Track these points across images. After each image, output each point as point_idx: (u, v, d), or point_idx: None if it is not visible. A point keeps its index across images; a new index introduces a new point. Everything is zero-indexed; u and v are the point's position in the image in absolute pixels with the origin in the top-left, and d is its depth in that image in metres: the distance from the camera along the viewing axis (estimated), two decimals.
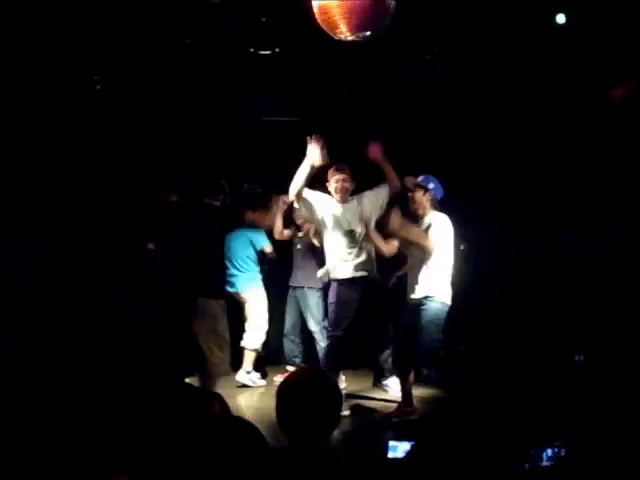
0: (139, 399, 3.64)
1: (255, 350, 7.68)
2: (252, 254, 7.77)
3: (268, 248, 7.76)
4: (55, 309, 7.09)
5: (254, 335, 7.67)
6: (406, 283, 6.68)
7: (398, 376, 6.83)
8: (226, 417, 3.32)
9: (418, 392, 7.14)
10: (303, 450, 2.82)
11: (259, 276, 7.83)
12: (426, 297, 6.42)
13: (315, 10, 5.48)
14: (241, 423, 2.76)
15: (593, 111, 7.13)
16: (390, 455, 3.79)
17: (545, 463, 3.75)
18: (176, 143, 8.22)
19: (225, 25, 6.50)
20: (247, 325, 7.71)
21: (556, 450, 3.77)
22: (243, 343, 7.66)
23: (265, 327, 7.72)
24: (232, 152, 8.46)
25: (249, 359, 7.67)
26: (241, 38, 6.81)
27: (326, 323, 7.16)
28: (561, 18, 6.45)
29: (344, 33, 5.52)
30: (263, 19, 6.42)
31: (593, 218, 7.36)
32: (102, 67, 7.17)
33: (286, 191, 6.79)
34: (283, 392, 2.92)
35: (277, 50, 6.89)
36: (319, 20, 5.53)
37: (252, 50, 6.90)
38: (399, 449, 3.77)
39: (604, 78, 6.68)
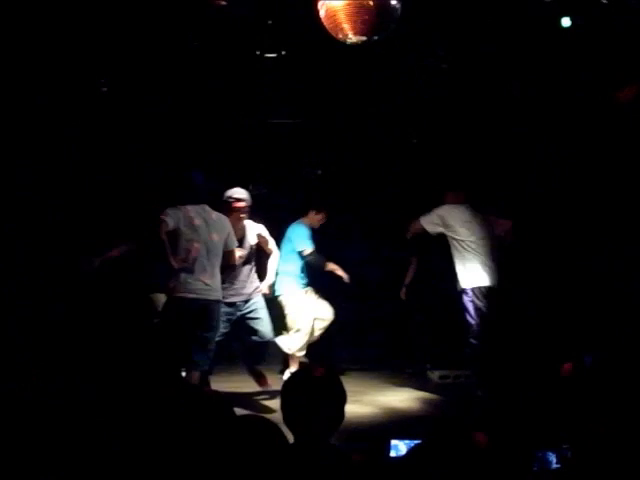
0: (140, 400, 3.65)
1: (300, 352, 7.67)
2: (290, 254, 7.63)
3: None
4: (55, 308, 7.11)
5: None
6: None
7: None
8: (231, 413, 3.33)
9: (423, 392, 7.24)
10: (308, 446, 2.85)
11: (296, 277, 7.69)
12: None
13: (321, 14, 5.51)
14: (255, 420, 2.79)
15: (596, 115, 7.13)
16: (392, 454, 3.79)
17: (553, 465, 3.75)
18: (181, 146, 8.25)
19: (231, 28, 6.53)
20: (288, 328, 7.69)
21: (564, 452, 3.77)
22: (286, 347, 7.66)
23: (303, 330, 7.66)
24: (237, 154, 8.50)
25: (295, 361, 7.65)
26: (247, 41, 6.83)
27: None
28: (566, 22, 6.46)
29: (350, 37, 5.55)
30: (269, 22, 6.44)
31: (595, 218, 7.37)
32: (109, 71, 7.17)
33: None
34: (289, 389, 2.96)
35: (283, 53, 6.90)
36: (325, 24, 5.55)
37: (258, 53, 6.91)
38: (401, 448, 3.77)
39: (609, 81, 6.69)
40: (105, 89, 7.25)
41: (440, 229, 7.13)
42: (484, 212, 7.22)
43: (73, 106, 7.26)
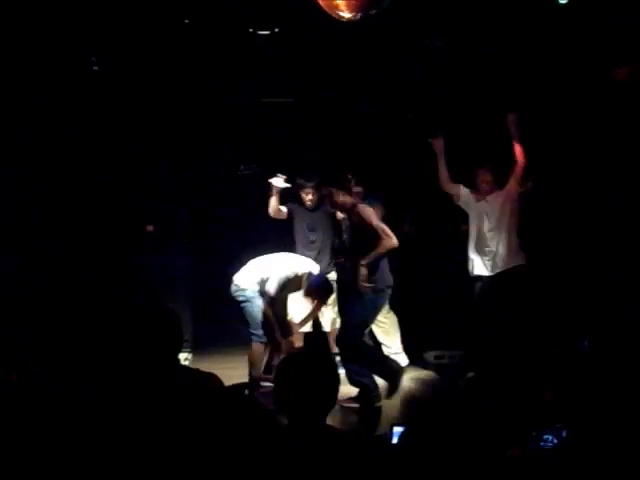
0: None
1: None
2: None
3: None
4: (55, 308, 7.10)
5: None
6: None
7: None
8: (226, 394, 3.31)
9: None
10: (301, 428, 2.87)
11: None
12: None
13: None
14: (243, 400, 2.77)
15: (596, 109, 7.09)
16: (395, 441, 3.76)
17: (547, 445, 3.74)
18: (172, 125, 8.22)
19: (224, 5, 6.47)
20: None
21: (558, 432, 3.76)
22: None
23: None
24: (228, 133, 8.46)
25: None
26: (240, 18, 6.78)
27: None
28: None
29: (345, 12, 5.48)
30: None
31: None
32: (99, 48, 7.12)
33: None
34: (281, 373, 2.98)
35: (276, 30, 6.85)
36: (319, 0, 5.48)
37: (251, 30, 6.86)
38: None
39: (607, 58, 6.64)
40: (96, 68, 7.19)
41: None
42: None
43: (74, 104, 7.23)
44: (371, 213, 6.56)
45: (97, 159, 7.83)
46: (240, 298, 7.02)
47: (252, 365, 7.05)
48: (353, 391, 6.64)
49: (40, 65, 6.94)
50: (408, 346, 7.54)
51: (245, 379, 7.03)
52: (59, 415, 3.51)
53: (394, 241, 6.47)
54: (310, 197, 7.55)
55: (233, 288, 7.05)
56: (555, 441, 3.81)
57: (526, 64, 7.41)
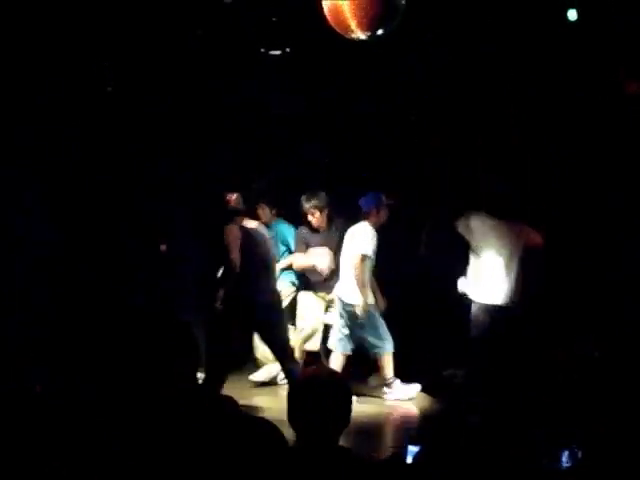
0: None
1: None
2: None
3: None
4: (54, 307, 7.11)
5: None
6: None
7: None
8: (242, 417, 3.33)
9: (432, 391, 7.33)
10: (314, 448, 2.88)
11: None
12: None
13: (325, 10, 5.43)
14: (259, 422, 2.81)
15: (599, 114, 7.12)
16: (409, 460, 3.81)
17: (563, 464, 3.81)
18: (172, 125, 8.20)
19: (236, 25, 6.45)
20: None
21: (574, 451, 3.83)
22: None
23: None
24: (229, 133, 8.45)
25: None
26: (252, 38, 6.76)
27: None
28: (573, 14, 6.41)
29: (356, 33, 5.48)
30: (274, 19, 6.36)
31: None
32: (113, 67, 7.09)
33: None
34: (295, 391, 3.00)
35: (287, 50, 6.83)
36: (330, 20, 5.48)
37: (263, 50, 6.84)
38: None
39: (615, 74, 6.67)
40: (110, 89, 7.16)
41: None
42: None
43: (75, 104, 7.18)
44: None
45: (97, 159, 7.80)
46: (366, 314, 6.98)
47: None
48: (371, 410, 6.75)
49: (40, 65, 6.89)
50: (422, 363, 7.58)
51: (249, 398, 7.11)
52: (59, 415, 3.53)
53: None
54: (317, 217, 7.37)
55: (365, 309, 6.96)
56: (571, 462, 3.87)
57: (526, 64, 7.43)
